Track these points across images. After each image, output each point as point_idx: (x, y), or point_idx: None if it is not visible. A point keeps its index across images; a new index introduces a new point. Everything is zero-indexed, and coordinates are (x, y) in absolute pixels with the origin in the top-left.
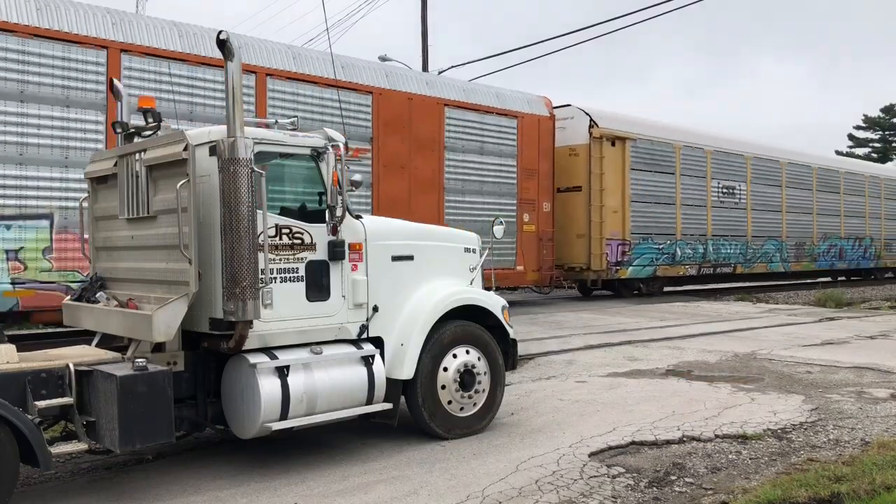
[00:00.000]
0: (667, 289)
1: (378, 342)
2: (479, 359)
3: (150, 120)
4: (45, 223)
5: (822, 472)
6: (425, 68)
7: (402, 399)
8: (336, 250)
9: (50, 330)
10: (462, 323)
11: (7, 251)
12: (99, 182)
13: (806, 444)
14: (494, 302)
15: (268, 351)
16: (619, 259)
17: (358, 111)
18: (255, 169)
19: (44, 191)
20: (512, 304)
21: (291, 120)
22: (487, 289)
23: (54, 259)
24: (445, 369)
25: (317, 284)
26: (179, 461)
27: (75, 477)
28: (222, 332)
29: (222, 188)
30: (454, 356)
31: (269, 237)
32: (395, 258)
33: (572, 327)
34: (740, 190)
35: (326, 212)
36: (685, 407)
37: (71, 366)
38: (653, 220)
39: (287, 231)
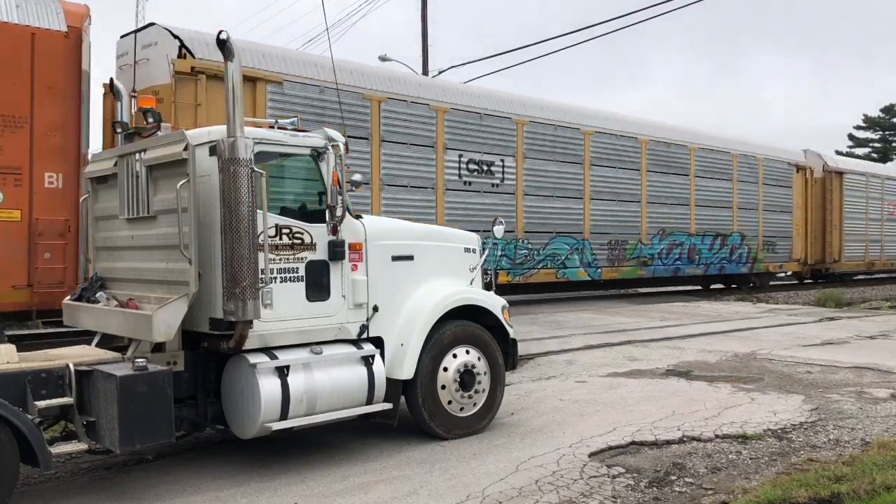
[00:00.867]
0: None
1: (378, 342)
2: (479, 359)
3: (150, 120)
4: None
5: (822, 472)
6: (425, 69)
7: (402, 399)
8: (336, 250)
9: (50, 330)
10: (462, 323)
11: None
12: (99, 182)
13: (806, 444)
14: (494, 302)
15: (268, 351)
16: None
17: None
18: (255, 169)
19: None
20: (512, 304)
21: (291, 120)
22: (488, 289)
23: None
24: (445, 369)
25: (317, 284)
26: (179, 461)
27: (75, 477)
28: (222, 332)
29: (222, 188)
30: (454, 356)
31: (269, 237)
32: (395, 258)
33: (572, 327)
34: (505, 167)
35: (326, 212)
36: (685, 407)
37: (71, 366)
38: None
39: (287, 231)
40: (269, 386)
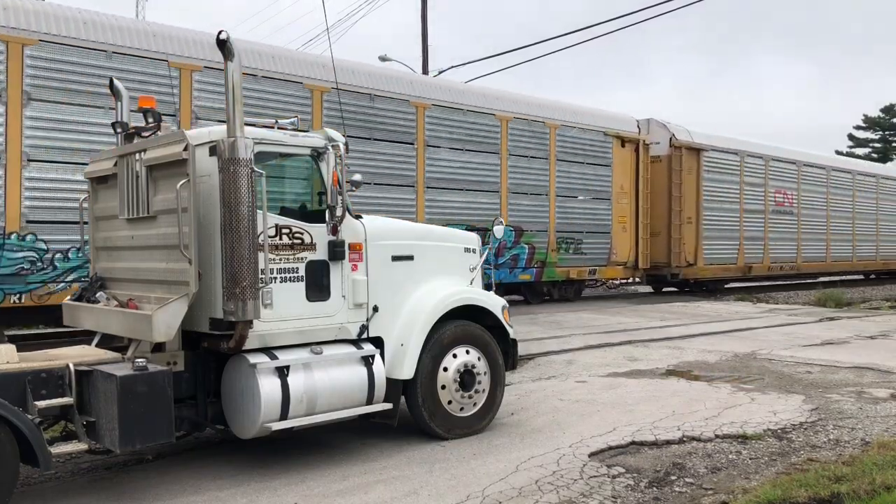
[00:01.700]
0: None
1: (378, 342)
2: (479, 359)
3: (150, 120)
4: None
5: (822, 472)
6: (425, 69)
7: (402, 399)
8: (336, 250)
9: (50, 330)
10: (462, 323)
11: None
12: (99, 182)
13: (806, 444)
14: (494, 302)
15: (268, 351)
16: None
17: None
18: (255, 169)
19: None
20: (512, 304)
21: (291, 120)
22: (487, 288)
23: None
24: (445, 369)
25: (317, 284)
26: (179, 461)
27: (75, 477)
28: (222, 332)
29: (222, 188)
30: (454, 356)
31: (269, 237)
32: (395, 258)
33: (572, 327)
34: None
35: (326, 212)
36: (685, 407)
37: (71, 366)
38: None
39: (287, 231)
40: (269, 386)
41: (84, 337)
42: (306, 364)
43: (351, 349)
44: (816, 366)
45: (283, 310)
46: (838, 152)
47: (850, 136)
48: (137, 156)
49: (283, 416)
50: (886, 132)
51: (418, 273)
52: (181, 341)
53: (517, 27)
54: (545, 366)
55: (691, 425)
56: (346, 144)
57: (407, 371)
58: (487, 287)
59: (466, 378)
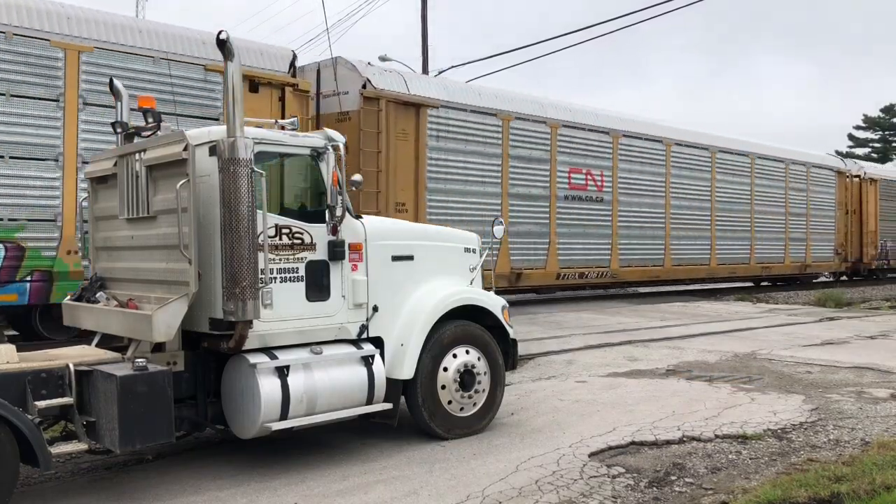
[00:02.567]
0: None
1: (378, 342)
2: (479, 359)
3: (150, 120)
4: None
5: (822, 472)
6: (425, 68)
7: (402, 399)
8: (336, 250)
9: None
10: (462, 323)
11: None
12: (99, 182)
13: (806, 444)
14: (494, 302)
15: (268, 351)
16: None
17: None
18: (255, 169)
19: None
20: (512, 304)
21: (292, 120)
22: (487, 289)
23: None
24: (445, 369)
25: (317, 284)
26: (179, 461)
27: (75, 477)
28: (222, 332)
29: (222, 188)
30: (454, 356)
31: (269, 237)
32: (395, 258)
33: (572, 327)
34: None
35: (326, 212)
36: (685, 407)
37: (71, 366)
38: None
39: (287, 231)
40: (269, 386)
41: (84, 337)
42: (306, 364)
43: (351, 349)
44: (816, 366)
45: (282, 310)
46: (838, 152)
47: (850, 136)
48: (137, 156)
49: (283, 416)
50: (886, 132)
51: (418, 273)
52: (181, 341)
53: (517, 27)
54: (545, 366)
55: (691, 425)
56: (345, 144)
57: (407, 371)
58: (487, 287)
59: (466, 378)
